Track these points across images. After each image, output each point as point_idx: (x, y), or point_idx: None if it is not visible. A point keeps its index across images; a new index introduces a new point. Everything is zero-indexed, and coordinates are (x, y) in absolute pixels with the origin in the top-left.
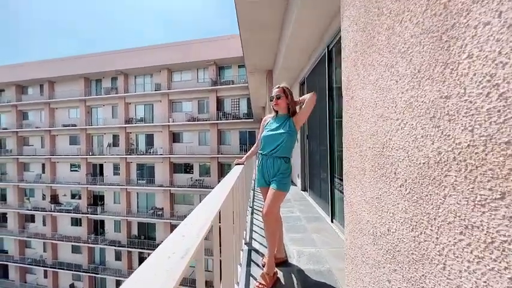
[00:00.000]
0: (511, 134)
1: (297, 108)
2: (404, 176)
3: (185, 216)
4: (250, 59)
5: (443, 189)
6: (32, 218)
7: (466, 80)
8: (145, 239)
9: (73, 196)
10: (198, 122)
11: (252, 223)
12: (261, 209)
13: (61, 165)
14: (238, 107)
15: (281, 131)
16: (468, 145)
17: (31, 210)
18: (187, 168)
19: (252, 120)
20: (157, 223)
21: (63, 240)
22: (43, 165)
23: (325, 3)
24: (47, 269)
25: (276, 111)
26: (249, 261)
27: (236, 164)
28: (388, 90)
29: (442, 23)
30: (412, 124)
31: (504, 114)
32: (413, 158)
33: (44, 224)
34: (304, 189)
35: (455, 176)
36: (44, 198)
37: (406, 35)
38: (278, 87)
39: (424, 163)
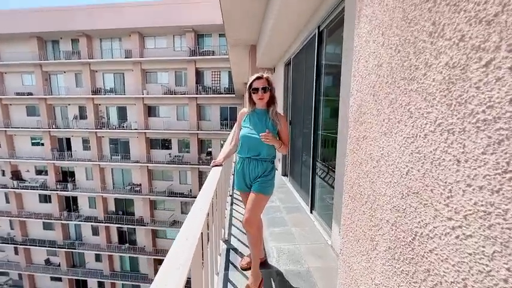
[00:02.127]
0: None
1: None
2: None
3: (165, 192)
4: (232, 31)
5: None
6: None
7: None
8: (123, 215)
9: (38, 172)
10: (176, 96)
11: (231, 216)
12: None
13: (19, 139)
14: (219, 80)
15: (269, 128)
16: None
17: None
18: (165, 144)
19: (234, 95)
20: (136, 199)
21: (31, 217)
22: None
23: None
24: (17, 246)
25: (253, 104)
26: (227, 264)
27: (213, 166)
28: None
29: None
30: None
31: None
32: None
33: (8, 202)
34: (284, 174)
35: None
36: (3, 175)
37: (489, 92)
38: (261, 76)
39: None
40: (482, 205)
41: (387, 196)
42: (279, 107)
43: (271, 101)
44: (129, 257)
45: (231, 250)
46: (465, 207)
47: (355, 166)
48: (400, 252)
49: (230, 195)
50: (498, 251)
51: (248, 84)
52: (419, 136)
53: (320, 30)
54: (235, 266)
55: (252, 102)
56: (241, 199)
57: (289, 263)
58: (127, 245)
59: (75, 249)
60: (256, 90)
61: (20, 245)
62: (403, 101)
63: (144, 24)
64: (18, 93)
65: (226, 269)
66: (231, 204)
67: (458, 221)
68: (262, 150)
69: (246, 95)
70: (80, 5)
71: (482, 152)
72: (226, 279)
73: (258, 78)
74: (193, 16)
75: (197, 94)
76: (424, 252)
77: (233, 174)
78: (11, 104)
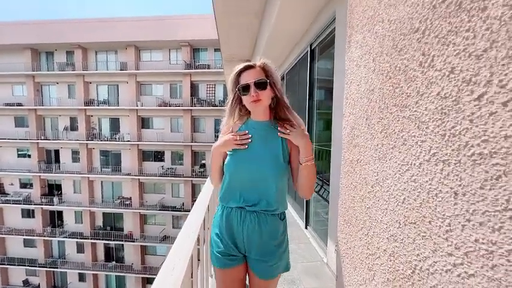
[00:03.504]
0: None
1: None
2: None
3: (157, 205)
4: (227, 48)
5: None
6: None
7: None
8: (111, 230)
9: (23, 185)
10: (170, 108)
11: None
12: None
13: (5, 150)
14: (214, 93)
15: (273, 155)
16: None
17: None
18: (158, 156)
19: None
20: (125, 213)
21: (12, 234)
22: None
23: None
24: None
25: (246, 112)
26: None
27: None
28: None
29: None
30: None
31: None
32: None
33: None
34: (306, 224)
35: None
36: None
37: (482, 124)
38: (253, 64)
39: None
40: (483, 243)
41: (384, 224)
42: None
43: (278, 105)
44: (116, 276)
45: None
46: (465, 243)
47: (350, 189)
48: (400, 285)
49: None
50: None
51: (231, 81)
52: (414, 164)
53: (312, 48)
54: None
55: (242, 109)
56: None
57: (284, 284)
58: (114, 262)
59: (57, 268)
60: (246, 88)
61: None
62: (396, 128)
63: (140, 38)
64: (7, 104)
65: None
66: None
67: (459, 257)
68: (268, 193)
69: (229, 99)
70: (77, 18)
71: (480, 186)
72: None
73: (248, 67)
74: (189, 31)
75: (192, 106)
76: None
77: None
78: None
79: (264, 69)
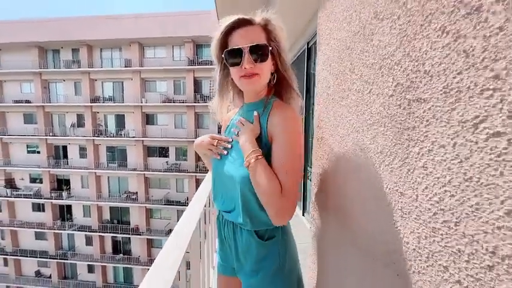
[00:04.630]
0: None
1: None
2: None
3: (162, 200)
4: None
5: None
6: None
7: (419, 188)
8: (118, 224)
9: (33, 180)
10: (174, 104)
11: None
12: None
13: (15, 146)
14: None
15: (235, 164)
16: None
17: None
18: (162, 152)
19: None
20: (132, 207)
21: (24, 227)
22: None
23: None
24: (7, 256)
25: (239, 94)
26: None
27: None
28: (354, 153)
29: (404, 120)
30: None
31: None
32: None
33: (0, 210)
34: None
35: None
36: None
37: (372, 108)
38: (250, 19)
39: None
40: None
41: (336, 184)
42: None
43: (280, 82)
44: (123, 267)
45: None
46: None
47: (317, 160)
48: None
49: None
50: None
51: (216, 45)
52: (349, 135)
53: (309, 46)
54: None
55: (233, 89)
56: None
57: None
58: (121, 255)
59: (67, 259)
60: (236, 56)
61: (10, 255)
62: (339, 112)
63: (144, 34)
64: (16, 101)
65: None
66: None
67: (391, 202)
68: (236, 201)
69: (216, 75)
70: (82, 15)
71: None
72: None
73: (242, 23)
74: (192, 27)
75: (195, 102)
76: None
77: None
78: (8, 112)
79: (267, 29)
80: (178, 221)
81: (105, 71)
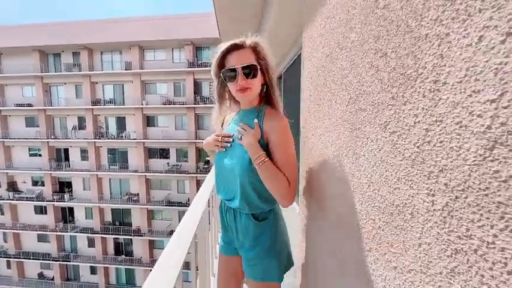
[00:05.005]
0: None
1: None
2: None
3: (163, 201)
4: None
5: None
6: None
7: (362, 170)
8: (120, 225)
9: (35, 183)
10: (174, 106)
11: None
12: None
13: (17, 150)
14: (212, 79)
15: (235, 160)
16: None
17: None
18: (163, 153)
19: None
20: (133, 209)
21: (26, 229)
22: None
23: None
24: (10, 259)
25: (235, 102)
26: None
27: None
28: (327, 148)
29: (354, 123)
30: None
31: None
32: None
33: (2, 213)
34: None
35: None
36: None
37: (337, 114)
38: (242, 44)
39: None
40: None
41: (317, 171)
42: (280, 105)
43: (266, 93)
44: (125, 269)
45: None
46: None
47: (303, 156)
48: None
49: None
50: None
51: (215, 64)
52: (323, 134)
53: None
54: None
55: (230, 98)
56: None
57: None
58: (123, 256)
59: (69, 261)
60: (232, 74)
61: (13, 258)
62: (318, 115)
63: (144, 37)
64: (17, 105)
65: None
66: None
67: (370, 190)
68: (237, 191)
69: (215, 87)
70: (83, 20)
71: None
72: None
73: (235, 47)
74: (192, 30)
75: (195, 104)
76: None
77: None
78: (9, 116)
79: (256, 50)
80: (179, 222)
81: (105, 73)
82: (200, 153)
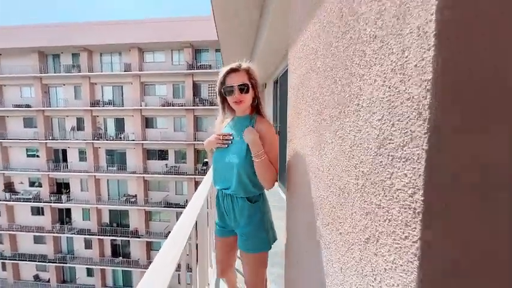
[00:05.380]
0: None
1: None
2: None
3: (161, 203)
4: (227, 52)
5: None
6: None
7: (323, 163)
8: (118, 227)
9: (32, 184)
10: (173, 107)
11: None
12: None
13: (15, 150)
14: (216, 93)
15: (235, 154)
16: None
17: None
18: (162, 155)
19: None
20: (131, 210)
21: (22, 231)
22: None
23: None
24: (5, 261)
25: (231, 110)
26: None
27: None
28: (303, 148)
29: (318, 129)
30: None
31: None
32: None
33: None
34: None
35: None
36: None
37: (310, 122)
38: (237, 68)
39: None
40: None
41: (302, 166)
42: (267, 113)
43: (256, 104)
44: (123, 270)
45: None
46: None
47: (289, 154)
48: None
49: None
50: None
51: (219, 81)
52: (304, 135)
53: None
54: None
55: (227, 108)
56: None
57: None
58: (120, 258)
59: (66, 263)
60: (230, 90)
61: (9, 260)
62: (298, 122)
63: (144, 39)
64: (16, 105)
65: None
66: None
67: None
68: (233, 180)
69: (218, 98)
70: (83, 21)
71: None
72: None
73: (233, 70)
74: (191, 32)
75: (194, 106)
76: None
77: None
78: (8, 116)
79: (248, 73)
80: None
81: (105, 75)
82: (199, 154)
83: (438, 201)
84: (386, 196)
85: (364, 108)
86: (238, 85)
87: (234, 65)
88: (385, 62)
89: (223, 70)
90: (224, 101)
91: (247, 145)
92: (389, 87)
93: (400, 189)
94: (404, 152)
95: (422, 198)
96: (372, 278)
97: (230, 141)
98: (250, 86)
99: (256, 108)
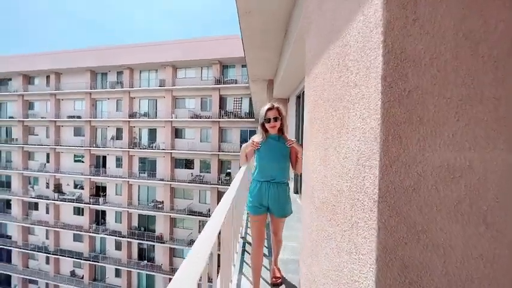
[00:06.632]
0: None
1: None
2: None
3: (185, 210)
4: (254, 71)
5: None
6: (35, 206)
7: (328, 166)
8: (145, 231)
9: (76, 186)
10: (201, 119)
11: (247, 220)
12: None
13: (65, 156)
14: (241, 106)
15: (282, 154)
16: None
17: (35, 198)
18: (188, 164)
19: (253, 119)
20: (157, 216)
21: (65, 228)
22: (47, 154)
23: None
24: (49, 255)
25: (266, 131)
26: (244, 250)
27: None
28: (315, 160)
29: (324, 143)
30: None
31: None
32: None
33: (47, 212)
34: (296, 191)
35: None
36: (47, 187)
37: (319, 138)
38: (272, 107)
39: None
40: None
41: (314, 173)
42: (291, 134)
43: (282, 128)
44: (146, 274)
45: (246, 244)
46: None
47: (305, 162)
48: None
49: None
50: None
51: (261, 115)
52: (314, 151)
53: None
54: (248, 252)
55: (264, 129)
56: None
57: (291, 255)
58: (145, 261)
59: (98, 262)
60: (269, 120)
61: (52, 254)
62: (311, 138)
63: (178, 58)
64: (69, 116)
65: (243, 254)
66: (248, 213)
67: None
68: (278, 174)
69: (259, 124)
70: (127, 44)
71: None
72: (242, 260)
73: (270, 109)
74: (219, 50)
75: (220, 118)
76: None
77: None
78: (62, 126)
79: (278, 110)
80: (199, 232)
81: (142, 90)
82: (222, 165)
83: (387, 194)
84: (361, 192)
85: (351, 132)
86: (274, 117)
87: (270, 105)
88: (361, 102)
89: (264, 108)
90: (263, 126)
91: (286, 151)
92: (362, 119)
93: (368, 187)
94: (370, 163)
95: (378, 192)
96: (355, 252)
97: (258, 147)
98: (279, 118)
99: (281, 130)
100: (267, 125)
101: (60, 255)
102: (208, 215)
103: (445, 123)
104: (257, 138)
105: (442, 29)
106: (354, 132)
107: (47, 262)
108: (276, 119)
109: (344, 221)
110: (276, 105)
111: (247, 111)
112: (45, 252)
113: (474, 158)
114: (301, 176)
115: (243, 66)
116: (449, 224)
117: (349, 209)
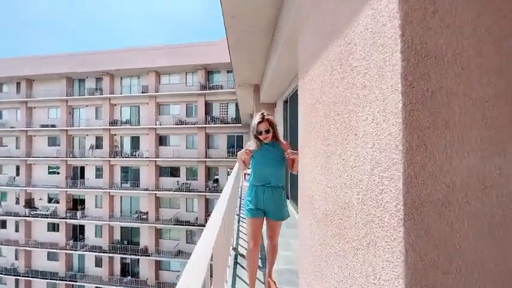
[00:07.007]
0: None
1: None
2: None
3: (171, 220)
4: (240, 74)
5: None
6: (2, 224)
7: (328, 173)
8: (128, 244)
9: (50, 200)
10: (186, 126)
11: (238, 230)
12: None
13: (38, 168)
14: (227, 111)
15: (277, 159)
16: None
17: (2, 215)
18: (173, 172)
19: (240, 124)
20: (142, 227)
21: (37, 247)
22: (17, 167)
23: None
24: (19, 277)
25: (260, 140)
26: (236, 262)
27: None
28: (314, 168)
29: (325, 150)
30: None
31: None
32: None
33: (17, 230)
34: (286, 197)
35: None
36: (17, 203)
37: (317, 144)
38: (262, 119)
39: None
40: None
41: (308, 173)
42: (280, 137)
43: (275, 136)
44: None
45: (238, 256)
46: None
47: (301, 166)
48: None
49: (237, 215)
50: None
51: (252, 128)
52: (313, 159)
53: None
54: (242, 267)
55: (258, 139)
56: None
57: (285, 264)
58: (129, 277)
59: (76, 281)
60: (260, 132)
61: (22, 276)
62: (307, 143)
63: (161, 64)
64: (42, 125)
65: (235, 267)
66: (238, 222)
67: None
68: (273, 178)
69: (251, 135)
70: (106, 49)
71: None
72: (234, 274)
73: (260, 122)
74: (204, 56)
75: (206, 124)
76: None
77: (240, 198)
78: (34, 135)
79: (268, 121)
80: (186, 242)
81: (124, 96)
82: (210, 172)
83: (414, 210)
84: (378, 207)
85: (360, 138)
86: (265, 130)
87: (260, 118)
88: (372, 105)
89: (255, 121)
90: (256, 136)
91: (281, 157)
92: (376, 124)
93: (388, 202)
94: (389, 174)
95: (403, 208)
96: (373, 276)
97: (251, 154)
98: (271, 128)
99: (275, 137)
100: (260, 137)
101: (31, 277)
102: (195, 224)
103: (472, 127)
104: (253, 146)
105: (462, 22)
106: (364, 138)
107: (17, 285)
108: (267, 131)
109: (356, 238)
110: (266, 116)
111: (234, 116)
112: (14, 275)
113: (504, 164)
114: (292, 180)
115: (228, 71)
116: (482, 242)
117: (362, 224)
